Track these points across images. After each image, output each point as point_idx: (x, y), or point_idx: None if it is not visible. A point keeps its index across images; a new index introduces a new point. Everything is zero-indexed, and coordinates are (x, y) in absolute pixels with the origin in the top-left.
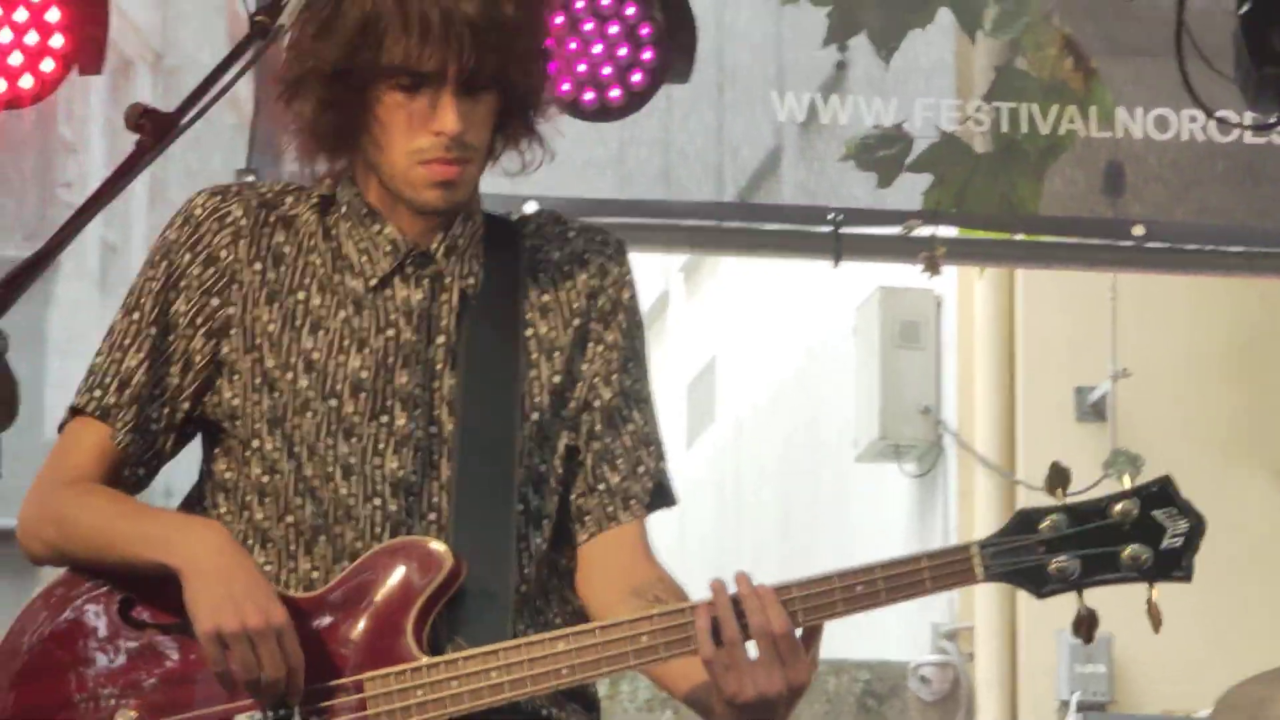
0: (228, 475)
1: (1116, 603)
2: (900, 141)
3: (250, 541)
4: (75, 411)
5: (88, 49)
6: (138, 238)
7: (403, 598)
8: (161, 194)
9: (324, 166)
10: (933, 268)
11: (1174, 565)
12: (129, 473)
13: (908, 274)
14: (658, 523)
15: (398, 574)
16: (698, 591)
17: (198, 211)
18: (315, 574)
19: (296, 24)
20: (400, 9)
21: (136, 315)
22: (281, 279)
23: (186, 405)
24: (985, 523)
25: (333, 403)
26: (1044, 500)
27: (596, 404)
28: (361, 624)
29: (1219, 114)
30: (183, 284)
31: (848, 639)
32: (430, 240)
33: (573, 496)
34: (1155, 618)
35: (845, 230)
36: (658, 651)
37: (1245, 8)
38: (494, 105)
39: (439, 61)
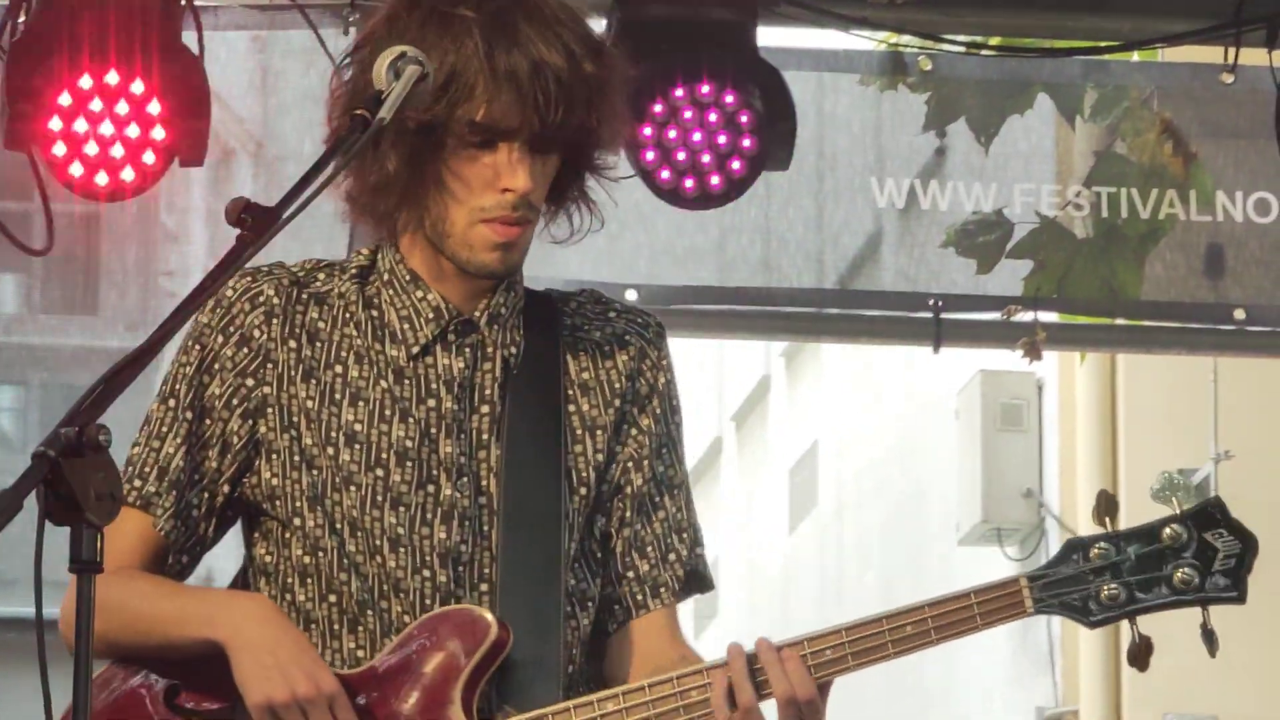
0: (268, 559)
1: (1224, 683)
2: (1000, 227)
3: None
4: None
5: (189, 141)
6: None
7: (449, 667)
8: None
9: (381, 224)
10: (1033, 354)
11: (1226, 586)
12: (172, 560)
13: (1009, 358)
14: (759, 606)
15: (444, 643)
16: None
17: (229, 294)
18: (360, 652)
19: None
20: (489, 63)
21: (172, 402)
22: (317, 355)
23: (226, 489)
24: None
25: (379, 472)
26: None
27: (628, 490)
28: (409, 696)
29: None
30: (216, 367)
31: None
32: (473, 308)
33: (604, 585)
34: (1211, 642)
35: (946, 316)
36: (707, 707)
37: None
38: (557, 166)
39: (521, 117)
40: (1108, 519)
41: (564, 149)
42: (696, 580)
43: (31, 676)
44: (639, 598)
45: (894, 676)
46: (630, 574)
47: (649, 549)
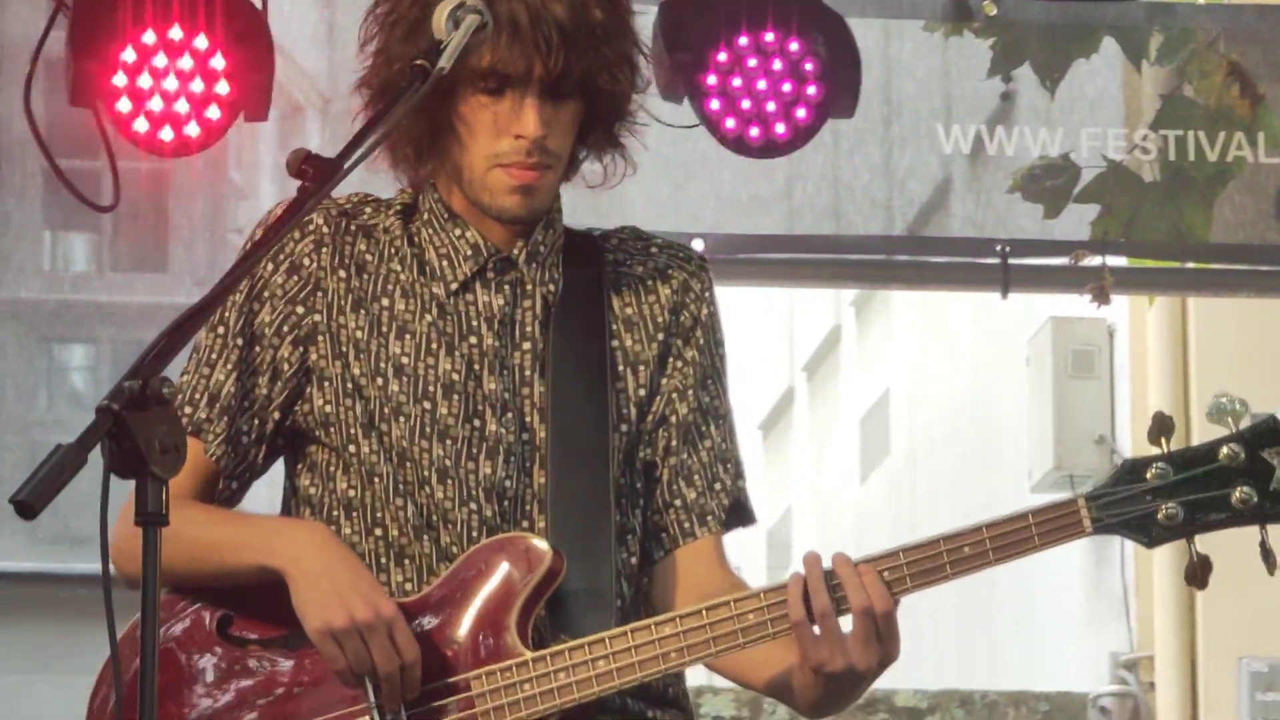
0: (312, 490)
1: None
2: (1067, 171)
3: None
4: None
5: (253, 96)
6: None
7: (505, 595)
8: None
9: (410, 171)
10: (1101, 298)
11: None
12: (222, 486)
13: (1080, 304)
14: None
15: (499, 571)
16: None
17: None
18: (408, 585)
19: (382, 27)
20: (491, 10)
21: (221, 329)
22: (365, 286)
23: (277, 415)
24: (1162, 550)
25: (426, 405)
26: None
27: (673, 419)
28: (465, 623)
29: None
30: (266, 294)
31: (1026, 669)
32: (512, 246)
33: (649, 514)
34: (1269, 560)
35: (1014, 261)
36: (765, 629)
37: None
38: (578, 113)
39: (525, 64)
40: (1164, 439)
41: (580, 96)
42: (739, 512)
43: (104, 632)
44: (686, 525)
45: (965, 620)
46: (677, 501)
47: (695, 477)
